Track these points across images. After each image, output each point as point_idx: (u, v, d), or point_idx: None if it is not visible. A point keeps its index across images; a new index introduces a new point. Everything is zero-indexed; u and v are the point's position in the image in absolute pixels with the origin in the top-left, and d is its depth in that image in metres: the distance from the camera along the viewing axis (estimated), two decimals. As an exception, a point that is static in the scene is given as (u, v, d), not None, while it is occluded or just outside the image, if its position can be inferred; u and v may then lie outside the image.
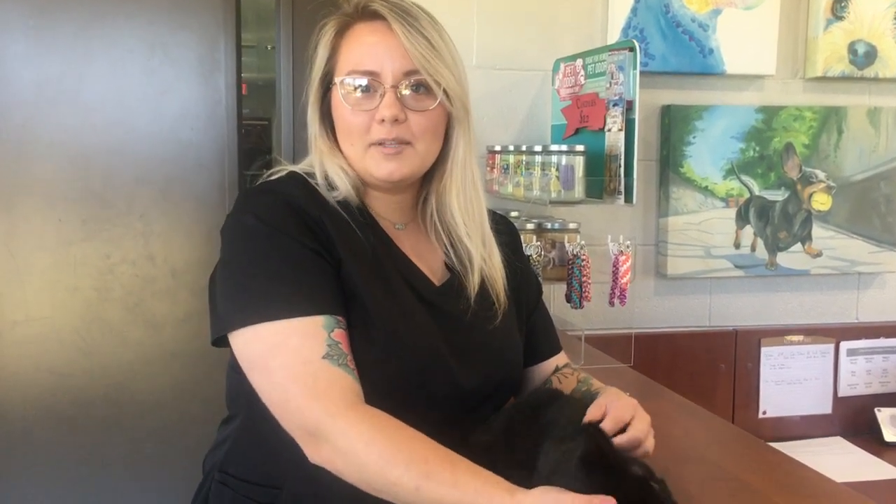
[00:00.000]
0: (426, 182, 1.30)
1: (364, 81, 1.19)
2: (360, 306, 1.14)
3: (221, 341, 1.16)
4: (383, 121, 1.18)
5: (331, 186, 1.22)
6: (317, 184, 1.21)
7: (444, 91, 1.20)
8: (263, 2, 2.36)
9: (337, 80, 1.21)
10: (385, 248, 1.23)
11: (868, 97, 2.50)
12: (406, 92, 1.19)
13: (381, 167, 1.20)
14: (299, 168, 1.25)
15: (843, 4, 2.38)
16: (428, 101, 1.21)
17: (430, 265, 1.28)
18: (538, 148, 1.93)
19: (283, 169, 1.25)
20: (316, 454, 1.05)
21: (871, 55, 2.42)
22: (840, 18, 2.39)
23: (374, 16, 1.21)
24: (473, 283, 1.26)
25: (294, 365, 1.06)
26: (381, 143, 1.19)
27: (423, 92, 1.20)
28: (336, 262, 1.15)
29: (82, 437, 2.16)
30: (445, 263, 1.29)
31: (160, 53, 2.13)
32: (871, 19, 2.40)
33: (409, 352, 1.16)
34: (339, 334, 1.09)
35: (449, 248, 1.28)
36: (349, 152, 1.23)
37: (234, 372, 1.19)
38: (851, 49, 2.41)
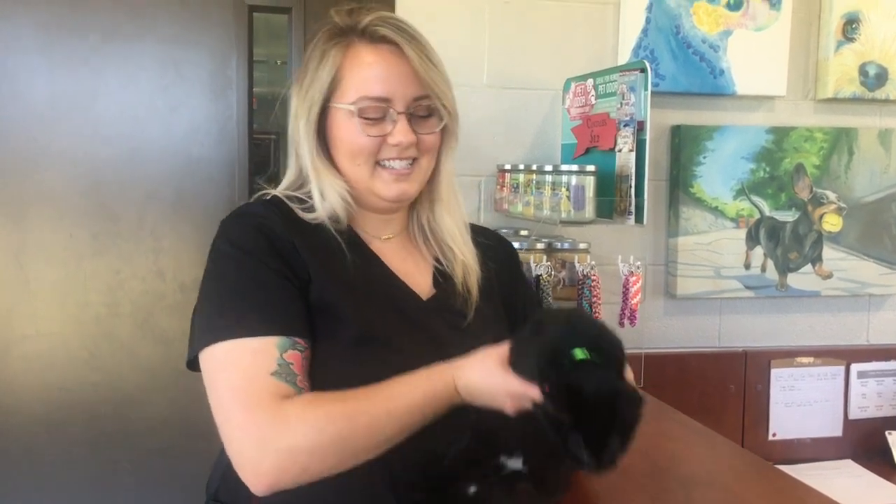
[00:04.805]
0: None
1: (376, 107, 1.19)
2: (344, 325, 1.14)
3: (193, 364, 1.16)
4: (396, 145, 1.20)
5: (324, 199, 1.22)
6: (301, 205, 1.22)
7: (448, 112, 1.24)
8: (275, 18, 2.37)
9: (344, 104, 1.21)
10: (368, 265, 1.23)
11: (879, 119, 2.49)
12: (415, 116, 1.21)
13: (391, 188, 1.22)
14: (281, 192, 1.26)
15: (854, 26, 2.38)
16: (434, 122, 1.24)
17: (417, 279, 1.28)
18: (549, 167, 1.93)
19: (266, 193, 1.26)
20: (275, 471, 1.03)
21: (882, 77, 2.41)
22: (851, 40, 2.39)
23: (381, 39, 1.21)
24: (461, 293, 1.27)
25: (236, 381, 1.06)
26: (388, 164, 1.21)
27: (429, 114, 1.23)
28: (304, 284, 1.15)
29: (90, 452, 2.16)
30: (434, 276, 1.29)
31: (172, 70, 2.14)
32: (882, 41, 2.40)
33: (401, 365, 1.14)
34: (293, 356, 1.08)
35: (440, 256, 1.30)
36: (353, 173, 1.23)
37: None
38: (862, 70, 2.40)
